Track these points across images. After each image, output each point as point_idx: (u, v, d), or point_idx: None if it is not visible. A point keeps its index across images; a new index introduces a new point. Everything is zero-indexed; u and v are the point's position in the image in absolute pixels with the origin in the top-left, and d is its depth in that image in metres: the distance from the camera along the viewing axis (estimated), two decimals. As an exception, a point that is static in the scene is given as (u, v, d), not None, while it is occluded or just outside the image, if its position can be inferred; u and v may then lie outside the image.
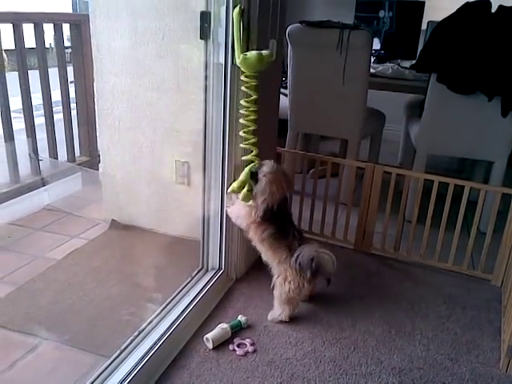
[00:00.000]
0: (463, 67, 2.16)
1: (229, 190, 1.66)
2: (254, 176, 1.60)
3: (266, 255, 1.69)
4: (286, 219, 1.68)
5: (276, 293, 1.67)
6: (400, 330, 1.68)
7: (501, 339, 1.64)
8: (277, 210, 1.59)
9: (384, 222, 2.12)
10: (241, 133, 1.62)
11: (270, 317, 1.70)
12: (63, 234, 2.24)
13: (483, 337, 1.66)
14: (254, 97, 1.57)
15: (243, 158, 1.66)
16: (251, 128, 1.60)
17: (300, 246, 1.62)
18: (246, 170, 1.62)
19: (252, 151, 1.65)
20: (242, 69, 1.51)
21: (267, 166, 1.59)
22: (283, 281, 1.62)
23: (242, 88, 1.56)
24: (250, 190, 1.60)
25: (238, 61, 1.49)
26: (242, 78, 1.55)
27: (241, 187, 1.62)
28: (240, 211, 1.67)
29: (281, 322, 1.68)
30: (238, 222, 1.70)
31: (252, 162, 1.64)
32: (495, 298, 1.89)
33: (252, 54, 1.46)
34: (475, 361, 1.54)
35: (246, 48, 1.52)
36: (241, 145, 1.64)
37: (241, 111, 1.60)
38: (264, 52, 1.48)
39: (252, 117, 1.59)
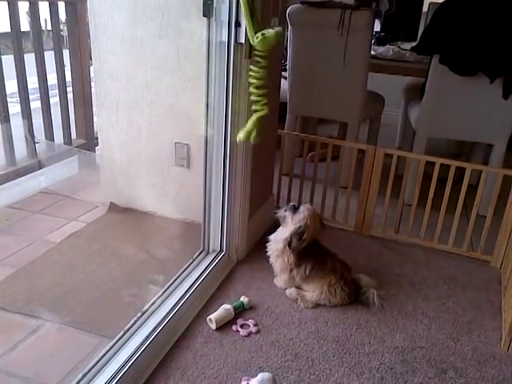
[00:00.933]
0: (466, 48, 2.15)
1: (237, 138, 1.61)
2: (294, 208, 1.70)
3: (315, 288, 1.70)
4: (320, 250, 1.74)
5: (318, 291, 1.69)
6: (402, 310, 1.69)
7: (502, 319, 1.66)
8: (310, 246, 1.67)
9: (384, 205, 2.12)
10: (251, 89, 1.55)
11: (288, 293, 1.73)
12: (61, 216, 2.22)
13: (484, 317, 1.68)
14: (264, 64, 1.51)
15: (253, 107, 1.57)
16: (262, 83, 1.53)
17: (344, 267, 1.72)
18: (254, 117, 1.55)
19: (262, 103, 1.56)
20: (258, 48, 1.45)
21: (307, 205, 1.72)
22: (324, 294, 1.67)
23: (255, 58, 1.51)
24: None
25: (255, 41, 1.43)
26: (257, 58, 1.50)
27: (248, 136, 1.57)
28: (279, 266, 1.74)
29: (280, 289, 1.74)
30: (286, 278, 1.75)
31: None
32: (495, 279, 1.91)
33: (270, 32, 1.41)
34: (477, 340, 1.56)
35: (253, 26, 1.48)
36: (252, 97, 1.55)
37: (250, 73, 1.53)
38: (278, 29, 1.44)
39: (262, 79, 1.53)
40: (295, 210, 1.70)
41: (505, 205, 1.92)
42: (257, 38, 1.42)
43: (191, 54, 1.92)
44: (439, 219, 2.03)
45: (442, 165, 2.00)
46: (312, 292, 1.70)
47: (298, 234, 1.63)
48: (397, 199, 2.11)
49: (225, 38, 1.55)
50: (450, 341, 1.55)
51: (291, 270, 1.70)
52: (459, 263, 2.01)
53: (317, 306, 1.69)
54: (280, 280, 1.76)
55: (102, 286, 1.73)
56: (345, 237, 2.17)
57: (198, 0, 1.54)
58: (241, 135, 1.57)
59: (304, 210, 1.67)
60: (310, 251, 1.68)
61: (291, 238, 1.64)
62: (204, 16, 1.54)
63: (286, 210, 1.72)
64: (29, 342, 1.47)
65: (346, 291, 1.67)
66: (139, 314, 1.50)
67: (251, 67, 1.52)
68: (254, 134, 1.55)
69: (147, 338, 1.40)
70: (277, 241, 1.72)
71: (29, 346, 1.45)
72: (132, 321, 1.46)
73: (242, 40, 1.53)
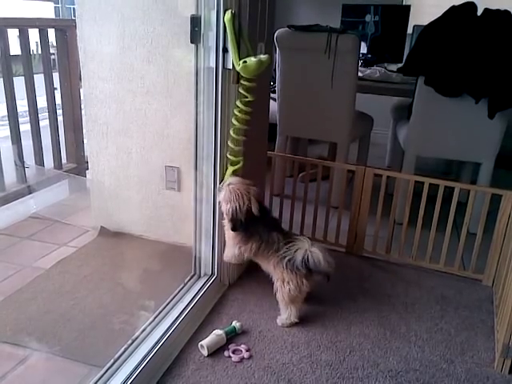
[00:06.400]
0: (450, 70, 2.19)
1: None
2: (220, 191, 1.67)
3: (263, 265, 1.72)
4: (267, 226, 1.69)
5: (279, 296, 1.67)
6: (395, 331, 1.68)
7: (494, 339, 1.65)
8: (255, 220, 1.62)
9: (375, 225, 2.12)
10: (231, 131, 1.63)
11: (279, 322, 1.69)
12: (51, 242, 2.20)
13: (477, 337, 1.67)
14: (249, 99, 1.57)
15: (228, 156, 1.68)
16: (241, 128, 1.63)
17: (288, 246, 1.64)
18: (230, 171, 1.67)
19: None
20: (242, 74, 1.51)
21: (230, 180, 1.65)
22: (282, 283, 1.64)
23: (240, 90, 1.56)
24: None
25: (237, 68, 1.49)
26: (242, 81, 1.55)
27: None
28: (228, 241, 1.72)
29: (291, 324, 1.68)
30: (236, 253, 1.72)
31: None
32: (487, 298, 1.91)
33: (252, 60, 1.46)
34: (470, 361, 1.55)
35: (239, 52, 1.51)
36: (229, 143, 1.65)
37: (234, 111, 1.60)
38: (263, 57, 1.49)
39: (243, 117, 1.60)
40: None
41: (494, 222, 1.94)
42: (239, 65, 1.47)
43: (180, 79, 1.94)
44: (430, 238, 2.04)
45: (431, 183, 2.01)
46: (265, 267, 1.69)
47: (229, 213, 1.60)
48: (388, 218, 2.11)
49: (213, 64, 1.57)
50: (444, 362, 1.54)
51: (240, 247, 1.68)
52: (451, 282, 2.01)
53: (300, 306, 1.68)
54: (229, 254, 1.73)
55: (92, 312, 1.70)
56: (336, 257, 2.13)
57: (186, 27, 1.56)
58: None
59: (225, 187, 1.62)
60: (256, 226, 1.64)
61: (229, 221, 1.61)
62: (192, 42, 1.56)
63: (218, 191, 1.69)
64: (17, 372, 1.44)
65: (289, 265, 1.60)
66: (129, 342, 1.47)
67: (237, 103, 1.58)
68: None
69: (138, 366, 1.38)
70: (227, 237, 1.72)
71: (17, 377, 1.42)
72: (122, 348, 1.44)
73: (230, 66, 1.55)
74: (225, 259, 1.77)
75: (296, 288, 1.62)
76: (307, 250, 1.60)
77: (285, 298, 1.65)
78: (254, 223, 1.63)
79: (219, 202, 1.68)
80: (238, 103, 1.59)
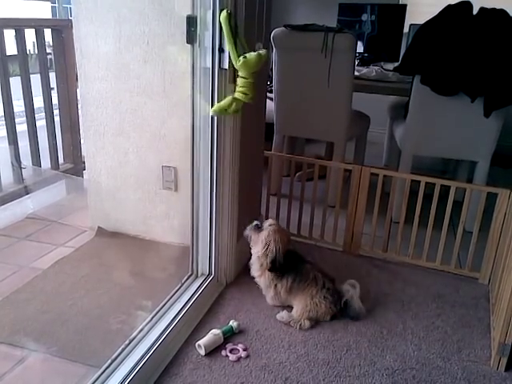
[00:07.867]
0: (446, 69, 2.20)
1: (211, 111, 1.60)
2: (257, 227, 1.74)
3: (298, 300, 1.72)
4: (297, 261, 1.75)
5: (302, 304, 1.70)
6: (391, 330, 1.69)
7: (490, 337, 1.66)
8: (287, 258, 1.69)
9: (372, 224, 2.13)
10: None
11: (278, 317, 1.71)
12: (48, 242, 2.20)
13: (473, 335, 1.68)
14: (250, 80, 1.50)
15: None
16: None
17: (325, 277, 1.72)
18: (230, 97, 1.52)
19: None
20: (241, 71, 1.47)
21: (270, 221, 1.74)
22: (308, 306, 1.68)
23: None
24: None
25: (237, 64, 1.46)
26: (241, 74, 1.49)
27: (221, 112, 1.55)
28: (263, 284, 1.77)
29: (287, 324, 1.69)
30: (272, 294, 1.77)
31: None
32: (483, 296, 1.92)
33: (252, 55, 1.45)
34: (466, 359, 1.56)
35: (236, 50, 1.50)
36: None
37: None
38: (262, 51, 1.47)
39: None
40: (259, 228, 1.73)
41: (490, 220, 1.94)
42: (239, 61, 1.45)
43: (176, 80, 1.94)
44: (426, 236, 2.04)
45: (427, 182, 2.02)
46: (297, 306, 1.70)
47: (270, 253, 1.66)
48: (384, 217, 2.12)
49: (209, 64, 1.57)
50: (440, 360, 1.55)
51: (275, 286, 1.72)
52: (447, 281, 2.02)
53: (314, 323, 1.68)
54: (268, 298, 1.78)
55: (89, 313, 1.70)
56: (333, 256, 2.18)
57: (182, 27, 1.56)
58: (216, 109, 1.54)
59: (267, 226, 1.70)
60: (289, 263, 1.70)
61: (267, 261, 1.68)
62: (188, 43, 1.56)
63: (249, 230, 1.75)
64: (15, 373, 1.44)
65: (328, 299, 1.68)
66: (127, 342, 1.47)
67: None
68: (229, 110, 1.52)
69: (135, 366, 1.38)
70: (253, 261, 1.76)
71: (15, 378, 1.43)
72: (120, 349, 1.44)
73: (226, 66, 1.55)
74: (269, 303, 1.79)
75: (321, 314, 1.69)
76: (353, 296, 1.69)
77: (308, 312, 1.68)
78: (286, 262, 1.69)
79: (250, 238, 1.75)
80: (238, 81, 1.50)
